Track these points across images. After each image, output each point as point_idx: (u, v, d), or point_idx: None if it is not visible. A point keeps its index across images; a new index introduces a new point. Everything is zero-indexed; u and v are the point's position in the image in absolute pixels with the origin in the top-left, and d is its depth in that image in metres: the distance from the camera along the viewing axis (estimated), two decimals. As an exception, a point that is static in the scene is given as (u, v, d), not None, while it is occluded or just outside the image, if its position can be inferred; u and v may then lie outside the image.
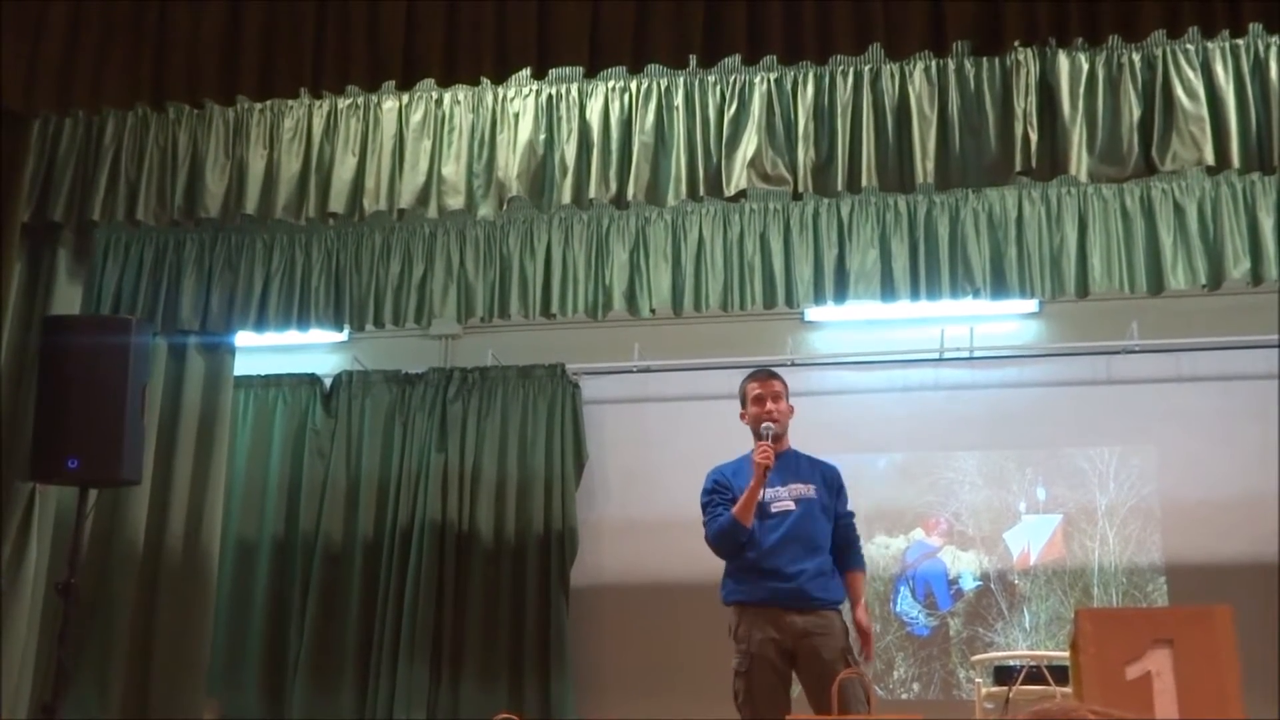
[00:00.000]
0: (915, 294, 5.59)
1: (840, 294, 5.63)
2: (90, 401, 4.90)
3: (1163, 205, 5.47)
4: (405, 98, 4.96)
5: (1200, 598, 5.68)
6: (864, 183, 4.61)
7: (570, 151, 4.83)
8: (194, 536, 5.81)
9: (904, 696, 6.28)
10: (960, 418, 6.53)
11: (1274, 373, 6.13)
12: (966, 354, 6.58)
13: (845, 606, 4.51)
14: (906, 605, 6.43)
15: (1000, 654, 5.77)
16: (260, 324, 5.94)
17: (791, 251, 5.66)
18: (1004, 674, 5.25)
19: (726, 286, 5.69)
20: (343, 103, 4.99)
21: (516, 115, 4.90)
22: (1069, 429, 6.45)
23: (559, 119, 4.87)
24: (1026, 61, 4.49)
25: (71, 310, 5.16)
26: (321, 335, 6.62)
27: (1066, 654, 4.52)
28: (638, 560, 6.52)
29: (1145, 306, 6.19)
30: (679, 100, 4.81)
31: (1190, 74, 4.49)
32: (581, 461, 6.61)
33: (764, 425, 4.40)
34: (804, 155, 4.66)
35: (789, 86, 4.75)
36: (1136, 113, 4.48)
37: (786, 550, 4.35)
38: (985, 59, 4.54)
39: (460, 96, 4.96)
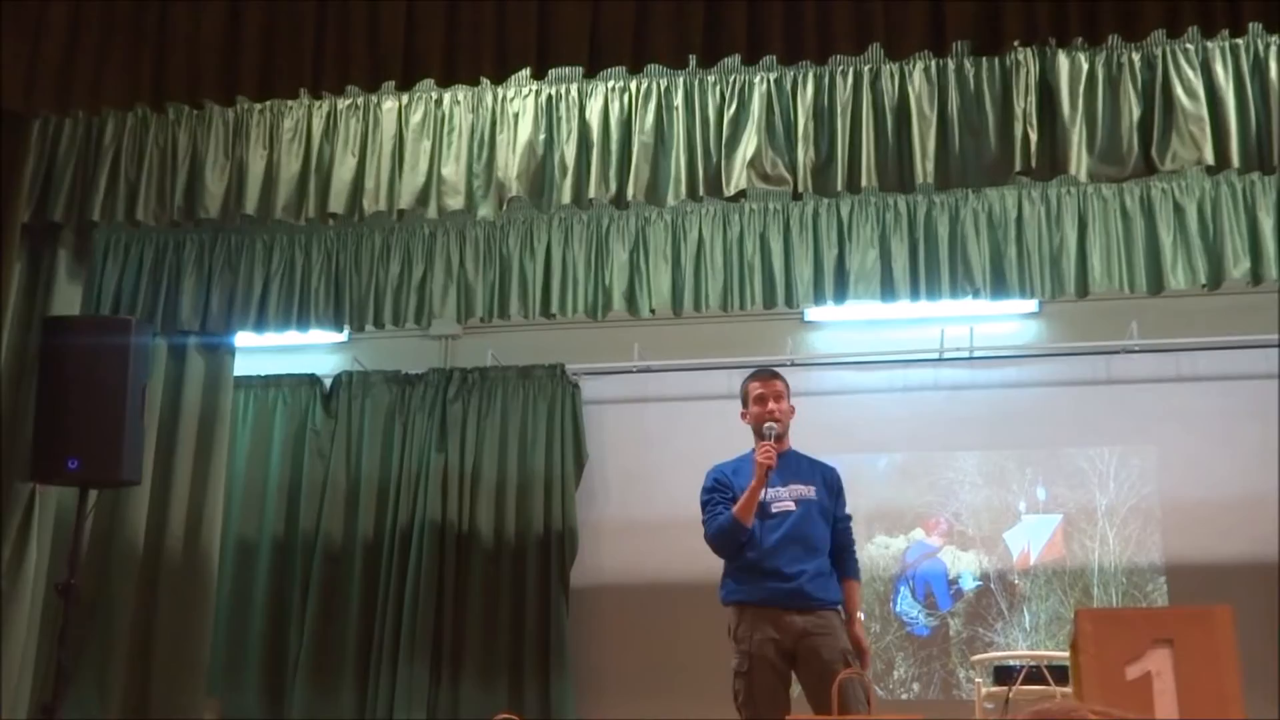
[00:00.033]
0: (915, 294, 5.59)
1: (840, 294, 5.63)
2: (90, 402, 4.90)
3: (1162, 205, 5.47)
4: (405, 98, 4.96)
5: (1200, 598, 5.68)
6: (864, 183, 4.61)
7: (570, 152, 4.83)
8: (194, 537, 5.81)
9: (904, 696, 6.28)
10: (960, 418, 6.53)
11: (1274, 373, 6.13)
12: (966, 354, 6.58)
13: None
14: (906, 605, 6.43)
15: (1000, 654, 5.77)
16: (260, 324, 5.94)
17: (791, 251, 5.66)
18: (1004, 674, 5.25)
19: (726, 286, 5.69)
20: (342, 103, 4.99)
21: (516, 115, 4.90)
22: (1069, 429, 6.45)
23: (559, 119, 4.87)
24: (1026, 61, 4.50)
25: (71, 311, 5.16)
26: (321, 336, 6.62)
27: (1066, 654, 4.52)
28: (638, 560, 6.52)
29: (1145, 306, 6.19)
30: (679, 100, 4.81)
31: (1190, 74, 4.49)
32: (581, 462, 6.61)
33: (766, 425, 4.40)
34: (804, 155, 4.66)
35: (789, 86, 4.75)
36: (1136, 112, 4.48)
37: (786, 550, 4.35)
38: (985, 59, 4.54)
39: (460, 97, 4.96)
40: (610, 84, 4.85)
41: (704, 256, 5.72)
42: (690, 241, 5.73)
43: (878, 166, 4.60)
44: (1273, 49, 4.47)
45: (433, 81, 4.51)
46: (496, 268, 5.85)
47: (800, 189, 4.69)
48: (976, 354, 6.58)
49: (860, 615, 4.57)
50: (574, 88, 4.88)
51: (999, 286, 5.55)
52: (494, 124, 4.92)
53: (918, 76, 4.65)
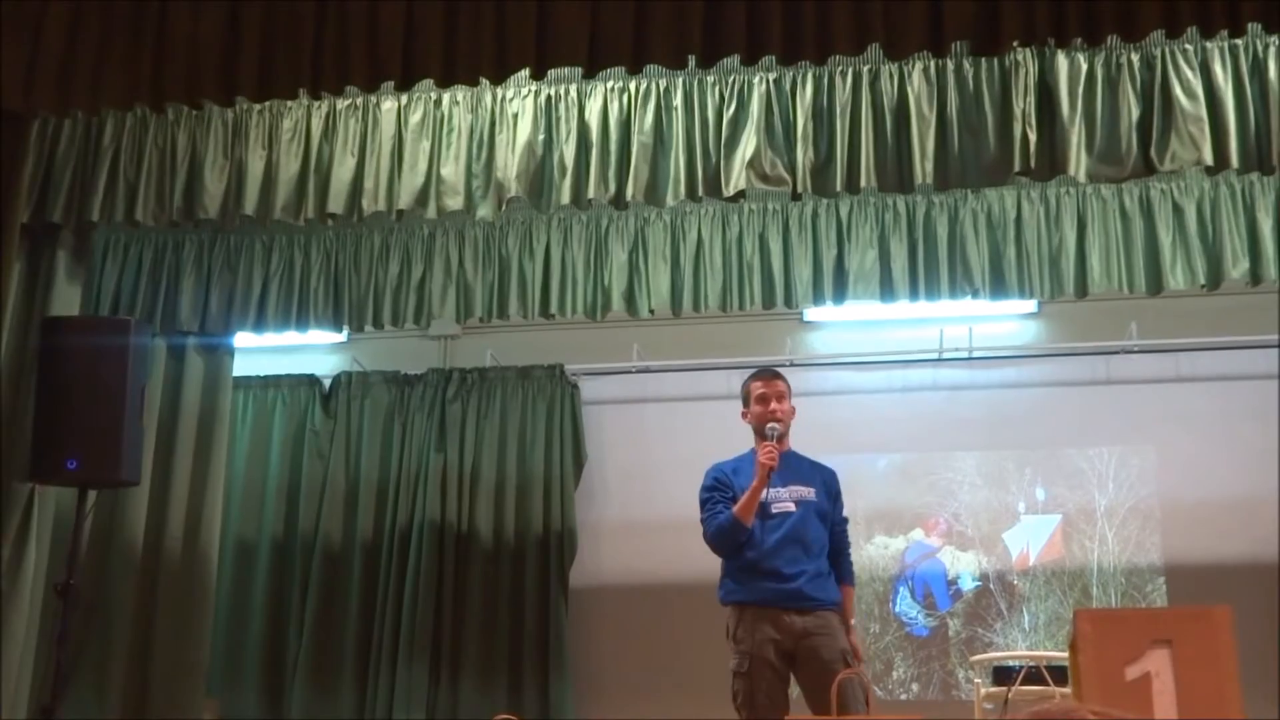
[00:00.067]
0: (914, 294, 5.59)
1: (839, 294, 5.63)
2: (89, 402, 4.90)
3: (1162, 205, 5.47)
4: (404, 98, 4.96)
5: (1199, 598, 5.68)
6: (863, 183, 4.61)
7: (569, 152, 4.83)
8: (193, 537, 5.81)
9: (903, 697, 6.28)
10: (959, 418, 6.53)
11: (1273, 373, 6.13)
12: (965, 354, 6.58)
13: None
14: (906, 606, 6.43)
15: (999, 654, 5.78)
16: (259, 325, 5.94)
17: (790, 252, 5.66)
18: (1003, 674, 5.26)
19: (725, 287, 5.69)
20: (342, 103, 4.99)
21: (515, 116, 4.90)
22: (1068, 429, 6.45)
23: (558, 119, 4.87)
24: (1025, 62, 4.50)
25: (71, 311, 5.16)
26: (320, 336, 6.62)
27: (1065, 654, 4.52)
28: (637, 560, 6.52)
29: (1144, 307, 6.19)
30: (678, 101, 4.81)
31: (1189, 74, 4.49)
32: (580, 462, 6.61)
33: (769, 426, 4.40)
34: (803, 156, 4.66)
35: (788, 87, 4.75)
36: (1135, 113, 4.48)
37: (786, 551, 4.35)
38: (984, 59, 4.54)
39: (459, 97, 4.96)
40: (609, 84, 4.85)
41: (703, 257, 5.72)
42: (689, 242, 5.73)
43: (877, 167, 4.60)
44: (1272, 49, 4.47)
45: (432, 82, 4.51)
46: (496, 268, 5.85)
47: (799, 189, 4.69)
48: (975, 354, 6.58)
49: (853, 622, 4.57)
50: (573, 88, 4.88)
51: (998, 287, 5.55)
52: (493, 124, 4.92)
53: (917, 77, 4.65)
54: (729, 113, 4.76)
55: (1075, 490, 6.39)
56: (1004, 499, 6.45)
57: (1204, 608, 3.30)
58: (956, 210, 5.59)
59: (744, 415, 4.55)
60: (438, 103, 4.98)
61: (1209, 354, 6.33)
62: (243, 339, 6.21)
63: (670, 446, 6.49)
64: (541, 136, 4.86)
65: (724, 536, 4.36)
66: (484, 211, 4.91)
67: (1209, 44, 4.48)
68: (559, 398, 6.65)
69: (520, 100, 4.90)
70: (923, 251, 5.59)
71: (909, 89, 4.64)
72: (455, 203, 4.91)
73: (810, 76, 4.73)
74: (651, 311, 5.78)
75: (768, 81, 4.75)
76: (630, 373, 6.75)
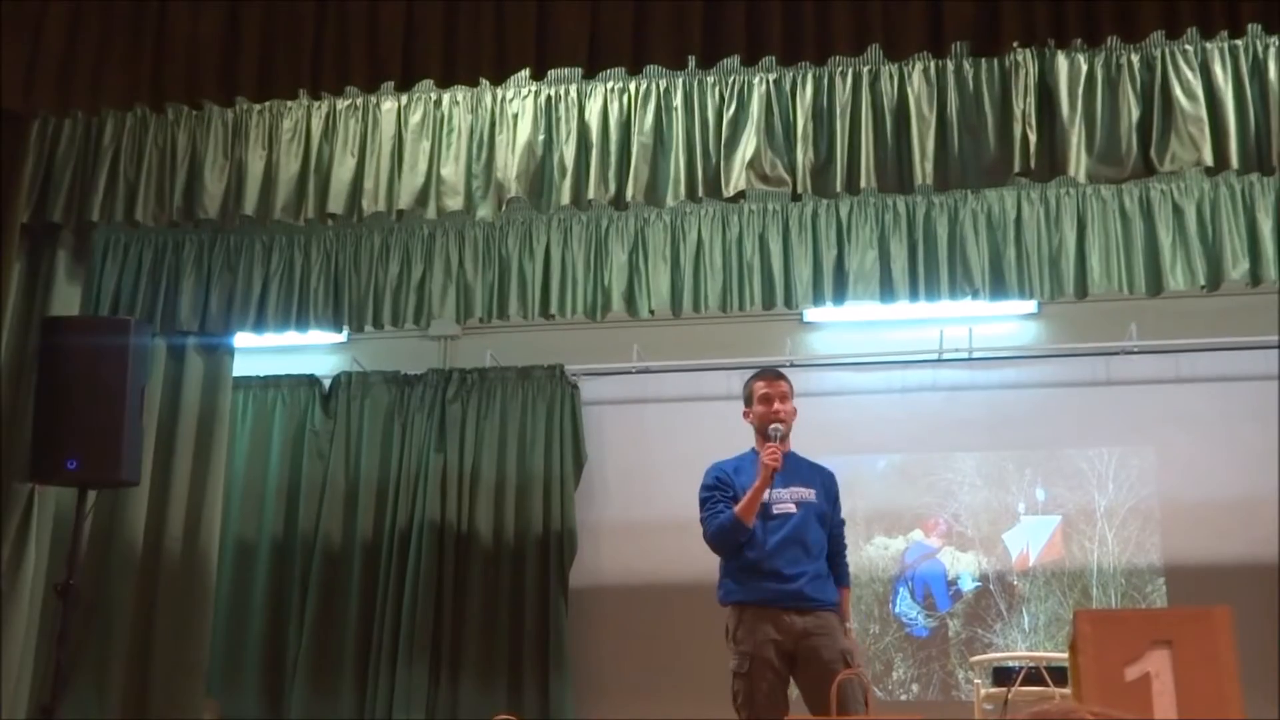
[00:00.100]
0: (914, 295, 5.59)
1: (839, 295, 5.63)
2: (89, 402, 4.90)
3: (1161, 206, 5.47)
4: (404, 99, 4.96)
5: (1199, 599, 5.68)
6: (863, 184, 4.61)
7: (569, 152, 4.83)
8: (193, 537, 5.81)
9: (903, 697, 6.28)
10: (959, 419, 6.53)
11: (1273, 374, 6.13)
12: (965, 355, 6.58)
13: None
14: (905, 606, 6.43)
15: (999, 655, 5.78)
16: (259, 325, 5.94)
17: (790, 252, 5.66)
18: (1003, 675, 5.26)
19: (725, 287, 5.69)
20: (342, 103, 4.99)
21: (515, 116, 4.90)
22: (1068, 430, 6.45)
23: (558, 120, 4.87)
24: (1025, 62, 4.50)
25: (71, 311, 5.15)
26: (320, 336, 6.62)
27: (1065, 655, 4.52)
28: (637, 561, 6.52)
29: (1144, 307, 6.19)
30: (678, 101, 4.81)
31: (1189, 75, 4.49)
32: (580, 462, 6.61)
33: (772, 427, 4.40)
34: (803, 156, 4.66)
35: (788, 87, 4.75)
36: (1135, 113, 4.48)
37: (787, 552, 4.35)
38: (984, 60, 4.54)
39: (459, 97, 4.96)
40: (609, 85, 4.85)
41: (703, 257, 5.72)
42: (689, 242, 5.73)
43: (877, 167, 4.60)
44: (1271, 50, 4.47)
45: (432, 82, 4.51)
46: (495, 268, 5.85)
47: (799, 190, 4.69)
48: (975, 355, 6.58)
49: (849, 624, 4.57)
50: (573, 89, 4.88)
51: (998, 287, 5.55)
52: (493, 125, 4.92)
53: (917, 77, 4.65)
54: (729, 113, 4.76)
55: (1075, 491, 6.39)
56: (1004, 500, 6.45)
57: (1204, 608, 3.30)
58: (956, 211, 5.59)
59: (746, 415, 4.55)
60: (438, 103, 4.98)
61: (1209, 355, 6.33)
62: (243, 339, 6.21)
63: (670, 447, 6.49)
64: (541, 137, 4.86)
65: (725, 536, 4.36)
66: (484, 212, 4.91)
67: (1209, 45, 4.48)
68: (559, 398, 6.65)
69: (520, 100, 4.90)
70: (923, 252, 5.59)
71: (909, 89, 4.64)
72: (455, 203, 4.91)
73: (810, 77, 4.73)
74: (651, 312, 5.78)
75: (768, 82, 4.75)
76: (630, 373, 6.75)
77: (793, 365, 6.38)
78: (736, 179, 4.69)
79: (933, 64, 4.63)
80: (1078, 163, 4.43)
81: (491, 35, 4.35)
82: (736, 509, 4.33)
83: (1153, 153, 4.44)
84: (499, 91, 4.88)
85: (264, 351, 6.73)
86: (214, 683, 6.09)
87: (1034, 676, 4.94)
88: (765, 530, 4.36)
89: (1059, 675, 4.90)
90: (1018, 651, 5.93)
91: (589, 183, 4.80)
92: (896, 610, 6.43)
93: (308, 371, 6.87)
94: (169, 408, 5.89)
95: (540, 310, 5.80)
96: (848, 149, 4.64)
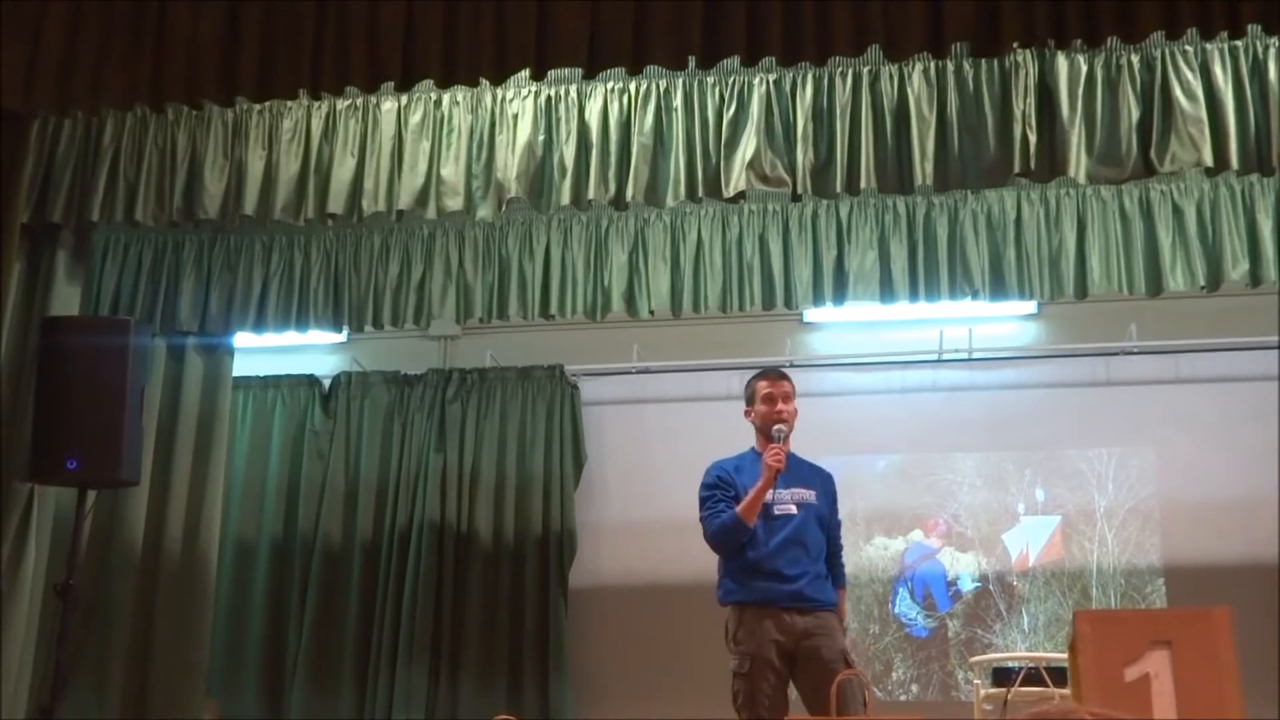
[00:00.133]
0: (914, 295, 5.59)
1: (839, 295, 5.63)
2: (89, 402, 4.90)
3: (1161, 207, 5.47)
4: (404, 99, 4.96)
5: (1199, 599, 5.68)
6: (863, 184, 4.61)
7: (569, 153, 4.83)
8: (193, 537, 5.81)
9: (902, 698, 6.28)
10: (959, 419, 6.53)
11: (1273, 374, 6.13)
12: (965, 355, 6.58)
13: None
14: (905, 607, 6.43)
15: (999, 655, 5.78)
16: (259, 325, 5.94)
17: (790, 253, 5.66)
18: (1003, 675, 5.26)
19: (725, 288, 5.69)
20: (342, 104, 4.99)
21: (515, 116, 4.90)
22: (1068, 430, 6.45)
23: (558, 120, 4.87)
24: (1025, 63, 4.50)
25: (70, 311, 5.16)
26: (320, 336, 6.62)
27: (1065, 655, 4.52)
28: (637, 561, 6.52)
29: (1144, 308, 6.19)
30: (678, 101, 4.81)
31: (1189, 75, 4.49)
32: (580, 462, 6.61)
33: (776, 428, 4.40)
34: (803, 157, 4.66)
35: (788, 88, 4.75)
36: (1135, 114, 4.48)
37: (788, 552, 4.35)
38: (984, 60, 4.54)
39: (459, 98, 4.96)
40: (609, 85, 4.85)
41: (703, 258, 5.72)
42: (689, 243, 5.73)
43: (877, 168, 4.60)
44: (1271, 50, 4.47)
45: (432, 82, 4.51)
46: (495, 268, 5.85)
47: (799, 190, 4.69)
48: (975, 355, 6.58)
49: (846, 623, 4.57)
50: (573, 89, 4.88)
51: (998, 288, 5.56)
52: (493, 125, 4.92)
53: (917, 78, 4.65)
54: (729, 114, 4.76)
55: (1075, 491, 6.39)
56: (1003, 500, 6.45)
57: (1203, 609, 3.30)
58: (956, 211, 5.60)
59: (747, 414, 4.55)
60: (438, 103, 4.98)
61: (1209, 355, 6.33)
62: (243, 339, 6.21)
63: (670, 447, 6.49)
64: (541, 137, 4.86)
65: (726, 536, 4.36)
66: (484, 212, 4.91)
67: (1209, 45, 4.48)
68: (559, 398, 6.65)
69: (520, 101, 4.90)
70: (923, 252, 5.60)
71: (909, 90, 4.64)
72: (455, 203, 4.91)
73: (810, 77, 4.73)
74: (651, 312, 5.78)
75: (768, 82, 4.75)
76: (630, 373, 6.75)
77: (793, 365, 6.37)
78: (736, 179, 4.69)
79: (933, 64, 4.63)
80: (1078, 163, 4.43)
81: (491, 35, 4.34)
82: (738, 509, 4.33)
83: (1153, 153, 4.44)
84: (499, 92, 4.88)
85: (264, 351, 6.73)
86: (214, 683, 6.09)
87: (1034, 677, 4.94)
88: (767, 530, 4.36)
89: (1059, 676, 4.90)
90: (1017, 652, 5.93)
91: (589, 183, 4.80)
92: (896, 611, 6.43)
93: (308, 371, 6.87)
94: (169, 408, 5.89)
95: (540, 310, 5.80)
96: (848, 149, 4.65)
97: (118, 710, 5.51)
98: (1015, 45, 4.26)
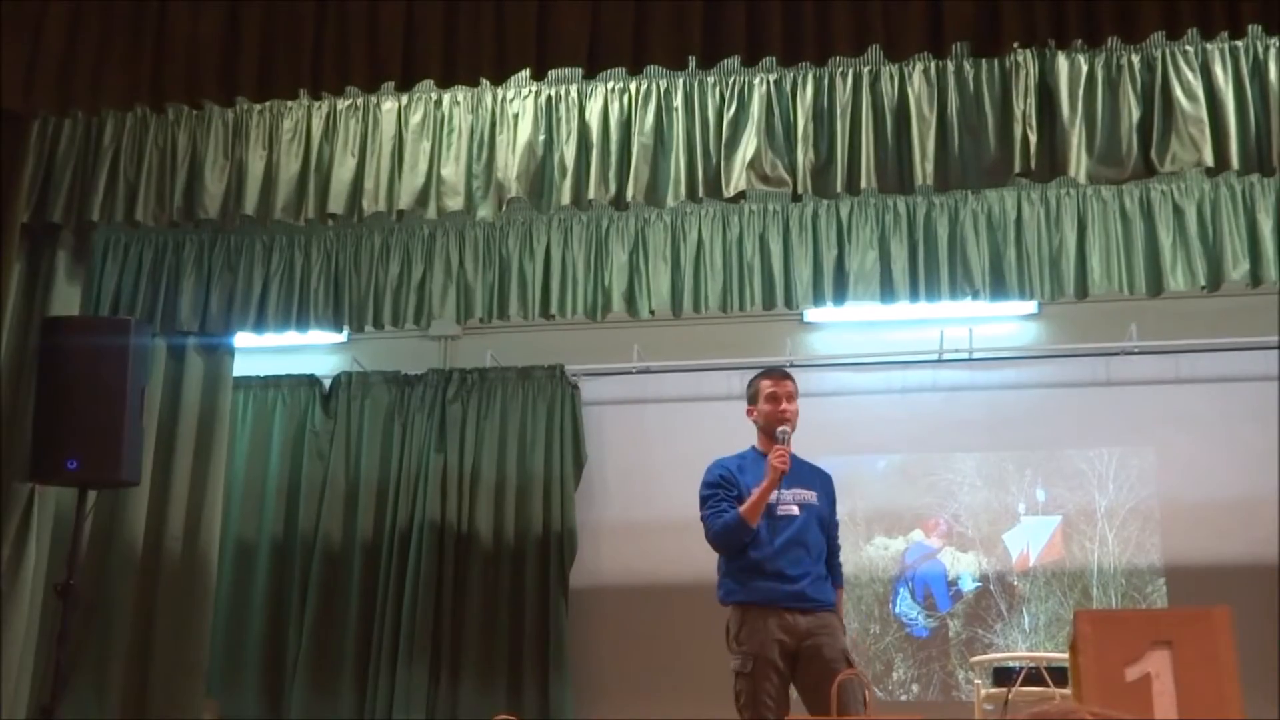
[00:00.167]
0: (914, 295, 5.59)
1: (839, 295, 5.63)
2: (89, 402, 4.90)
3: (1162, 207, 5.47)
4: (404, 99, 4.96)
5: (1199, 599, 5.68)
6: (863, 184, 4.61)
7: (569, 152, 4.83)
8: (193, 537, 5.81)
9: (903, 698, 6.28)
10: (959, 419, 6.53)
11: (1273, 374, 6.13)
12: (965, 355, 6.58)
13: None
14: (906, 606, 6.43)
15: (999, 655, 5.78)
16: (259, 325, 5.94)
17: (791, 253, 5.66)
18: (1003, 675, 5.25)
19: (726, 288, 5.69)
20: (342, 104, 4.99)
21: (516, 116, 4.90)
22: (1068, 430, 6.45)
23: (558, 120, 4.87)
24: (1025, 63, 4.50)
25: (71, 311, 5.15)
26: (321, 336, 6.62)
27: (1066, 655, 4.52)
28: (637, 561, 6.52)
29: (1144, 308, 6.19)
30: (678, 101, 4.81)
31: (1189, 75, 4.49)
32: (581, 462, 6.61)
33: (780, 429, 4.40)
34: (803, 157, 4.66)
35: (788, 88, 4.75)
36: (1136, 114, 4.48)
37: (790, 553, 4.35)
38: (984, 60, 4.54)
39: (459, 97, 4.96)
40: (610, 85, 4.85)
41: (703, 257, 5.72)
42: (690, 243, 5.73)
43: (877, 168, 4.60)
44: (1272, 51, 4.47)
45: (432, 82, 4.51)
46: (496, 268, 5.85)
47: (800, 190, 4.69)
48: (976, 355, 6.59)
49: (844, 622, 4.58)
50: (573, 89, 4.88)
51: (998, 288, 5.56)
52: (493, 125, 4.92)
53: (917, 78, 4.65)
54: (729, 114, 4.76)
55: (1075, 491, 6.39)
56: (1004, 500, 6.45)
57: (1204, 609, 3.30)
58: (957, 211, 5.60)
59: (749, 413, 4.55)
60: (438, 103, 4.98)
61: (1209, 355, 6.33)
62: (243, 339, 6.21)
63: (670, 447, 6.49)
64: (542, 137, 4.86)
65: (729, 536, 4.36)
66: (484, 212, 4.91)
67: (1209, 45, 4.48)
68: (559, 398, 6.65)
69: (521, 101, 4.90)
70: (923, 252, 5.60)
71: (909, 90, 4.64)
72: (455, 203, 4.91)
73: (810, 77, 4.73)
74: (652, 312, 5.78)
75: (768, 82, 4.75)
76: (630, 373, 6.75)
77: (793, 365, 6.36)
78: (737, 179, 4.69)
79: (933, 64, 4.63)
80: (1078, 163, 4.43)
81: (492, 35, 4.34)
82: (742, 509, 4.33)
83: (1153, 153, 4.44)
84: (499, 91, 4.88)
85: (264, 351, 6.73)
86: (214, 683, 6.09)
87: (1034, 677, 4.94)
88: (770, 531, 4.36)
89: (1059, 676, 4.90)
90: (1018, 652, 5.93)
91: (589, 183, 4.80)
92: (897, 610, 6.43)
93: (308, 371, 6.87)
94: (169, 408, 5.89)
95: (540, 310, 5.80)
96: (848, 149, 4.65)
97: (118, 710, 5.51)
98: (1015, 45, 4.26)
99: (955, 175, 4.58)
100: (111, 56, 4.55)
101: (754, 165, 4.67)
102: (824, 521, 4.50)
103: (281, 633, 6.42)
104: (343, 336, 6.85)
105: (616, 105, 4.86)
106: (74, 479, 4.93)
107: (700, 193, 4.74)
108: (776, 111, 4.74)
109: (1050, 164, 4.45)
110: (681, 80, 4.80)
